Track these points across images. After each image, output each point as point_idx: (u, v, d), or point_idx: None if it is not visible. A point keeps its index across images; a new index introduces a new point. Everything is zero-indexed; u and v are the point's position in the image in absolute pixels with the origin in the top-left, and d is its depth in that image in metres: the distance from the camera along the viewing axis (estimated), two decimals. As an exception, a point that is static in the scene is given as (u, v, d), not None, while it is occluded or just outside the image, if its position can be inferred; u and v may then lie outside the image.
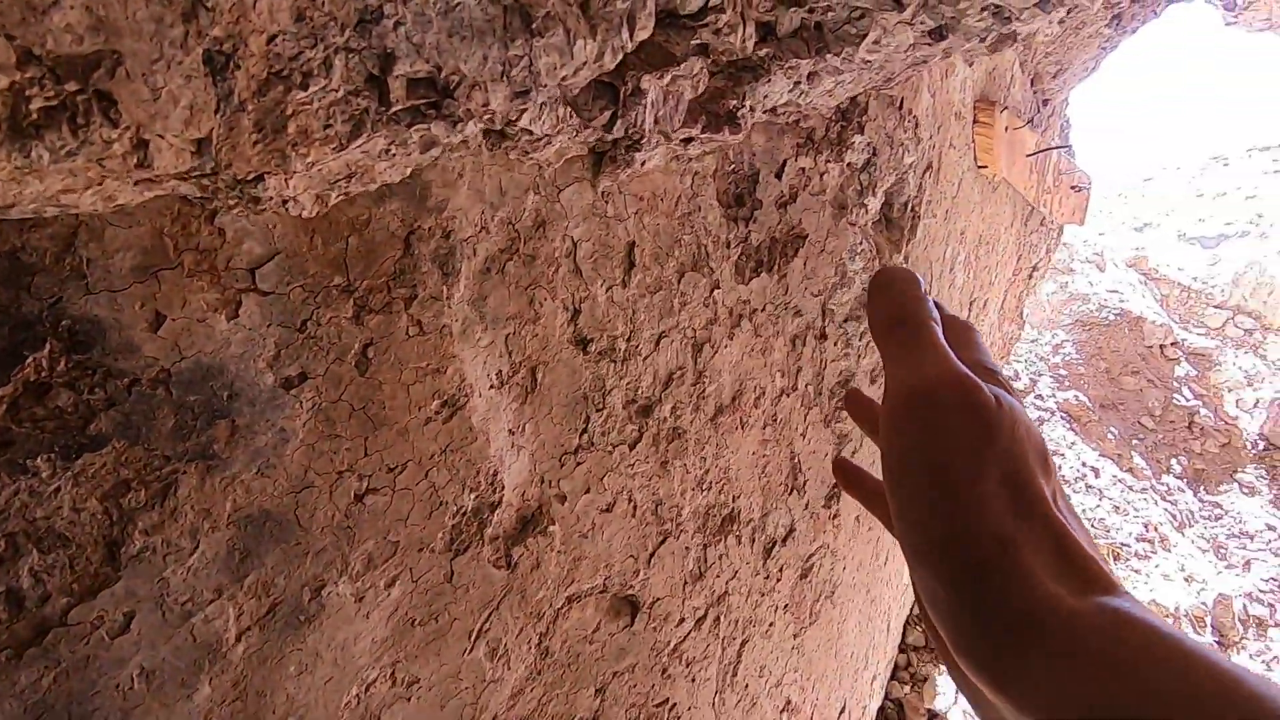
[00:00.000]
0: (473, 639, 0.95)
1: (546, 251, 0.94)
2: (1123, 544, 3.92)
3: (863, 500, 0.48)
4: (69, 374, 0.58)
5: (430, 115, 0.53)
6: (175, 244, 0.62)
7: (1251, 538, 4.23)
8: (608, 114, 0.70)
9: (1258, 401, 5.12)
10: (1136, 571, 3.81)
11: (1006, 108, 2.31)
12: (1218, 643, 3.54)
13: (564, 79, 0.59)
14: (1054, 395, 4.99)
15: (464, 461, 0.89)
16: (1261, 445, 4.83)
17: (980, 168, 2.29)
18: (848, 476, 0.49)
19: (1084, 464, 4.46)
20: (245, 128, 0.45)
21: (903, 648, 3.47)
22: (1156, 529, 4.12)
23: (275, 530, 0.72)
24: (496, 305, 0.89)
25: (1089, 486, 4.31)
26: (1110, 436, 4.80)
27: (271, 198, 0.50)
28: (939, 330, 0.37)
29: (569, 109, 0.73)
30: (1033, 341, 5.43)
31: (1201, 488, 4.58)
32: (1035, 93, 3.11)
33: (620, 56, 0.64)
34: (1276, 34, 3.82)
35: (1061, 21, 2.52)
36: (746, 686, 1.63)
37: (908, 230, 1.86)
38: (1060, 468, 4.35)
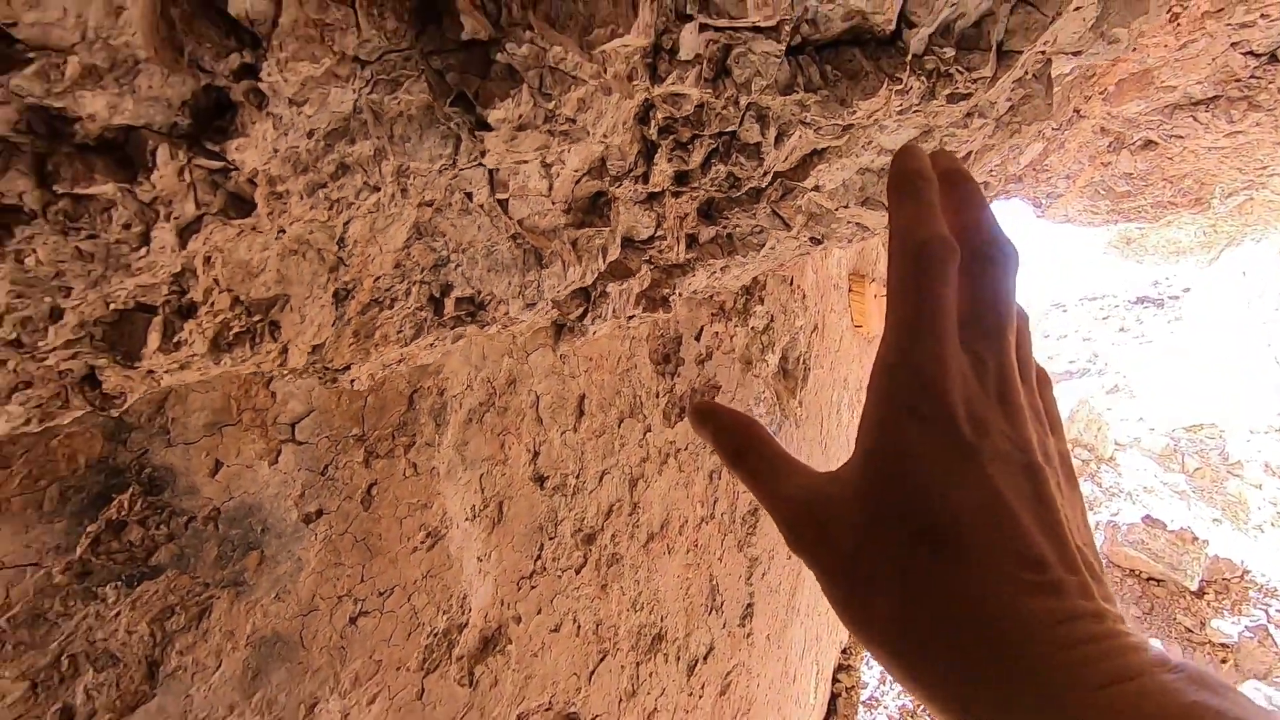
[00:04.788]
0: (434, 759, 1.02)
1: (516, 404, 1.13)
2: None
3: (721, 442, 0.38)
4: (142, 512, 0.71)
5: (467, 321, 0.74)
6: (238, 405, 0.77)
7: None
8: (581, 309, 0.94)
9: (1097, 524, 5.82)
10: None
11: (874, 280, 2.81)
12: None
13: (558, 293, 0.82)
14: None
15: (440, 586, 1.01)
16: (1105, 563, 5.46)
17: (856, 327, 2.73)
18: (716, 420, 0.38)
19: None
20: (347, 336, 0.64)
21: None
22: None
23: (283, 650, 0.82)
24: (475, 449, 1.06)
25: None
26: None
27: (350, 379, 0.68)
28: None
29: (554, 308, 0.96)
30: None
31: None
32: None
33: (595, 275, 0.89)
34: (1073, 224, 4.88)
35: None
36: (673, 815, 1.68)
37: (801, 380, 2.19)
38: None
